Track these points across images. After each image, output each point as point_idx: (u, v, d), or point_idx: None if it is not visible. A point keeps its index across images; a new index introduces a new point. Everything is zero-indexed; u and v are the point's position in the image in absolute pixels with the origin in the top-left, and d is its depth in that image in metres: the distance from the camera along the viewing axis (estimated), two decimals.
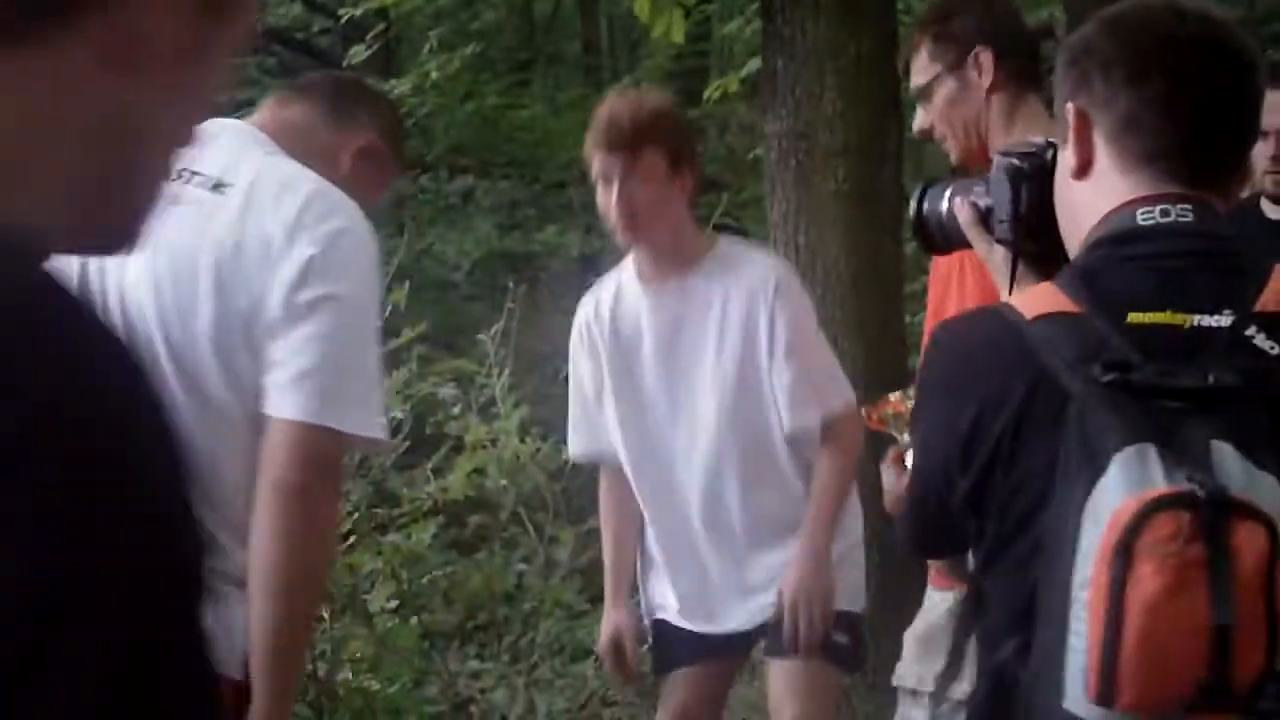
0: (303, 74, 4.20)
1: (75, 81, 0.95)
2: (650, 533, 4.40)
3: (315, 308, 2.87)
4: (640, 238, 4.16)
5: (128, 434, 0.85)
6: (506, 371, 6.90)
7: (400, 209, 12.50)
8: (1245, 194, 4.72)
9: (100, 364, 0.86)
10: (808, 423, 4.20)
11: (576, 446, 4.49)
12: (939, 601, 3.62)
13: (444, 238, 12.46)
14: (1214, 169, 2.25)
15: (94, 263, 2.97)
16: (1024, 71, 3.85)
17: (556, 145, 14.16)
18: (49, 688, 0.80)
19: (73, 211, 0.97)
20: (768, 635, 4.27)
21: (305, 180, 3.03)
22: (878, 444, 3.24)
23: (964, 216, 2.59)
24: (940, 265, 3.65)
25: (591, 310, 4.38)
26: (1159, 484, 1.96)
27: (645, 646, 4.60)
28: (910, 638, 3.78)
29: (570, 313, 4.51)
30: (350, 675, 6.02)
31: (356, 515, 6.15)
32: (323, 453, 2.87)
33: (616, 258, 4.48)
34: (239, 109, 3.46)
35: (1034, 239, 2.45)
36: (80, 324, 0.86)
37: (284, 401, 2.86)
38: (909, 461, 3.03)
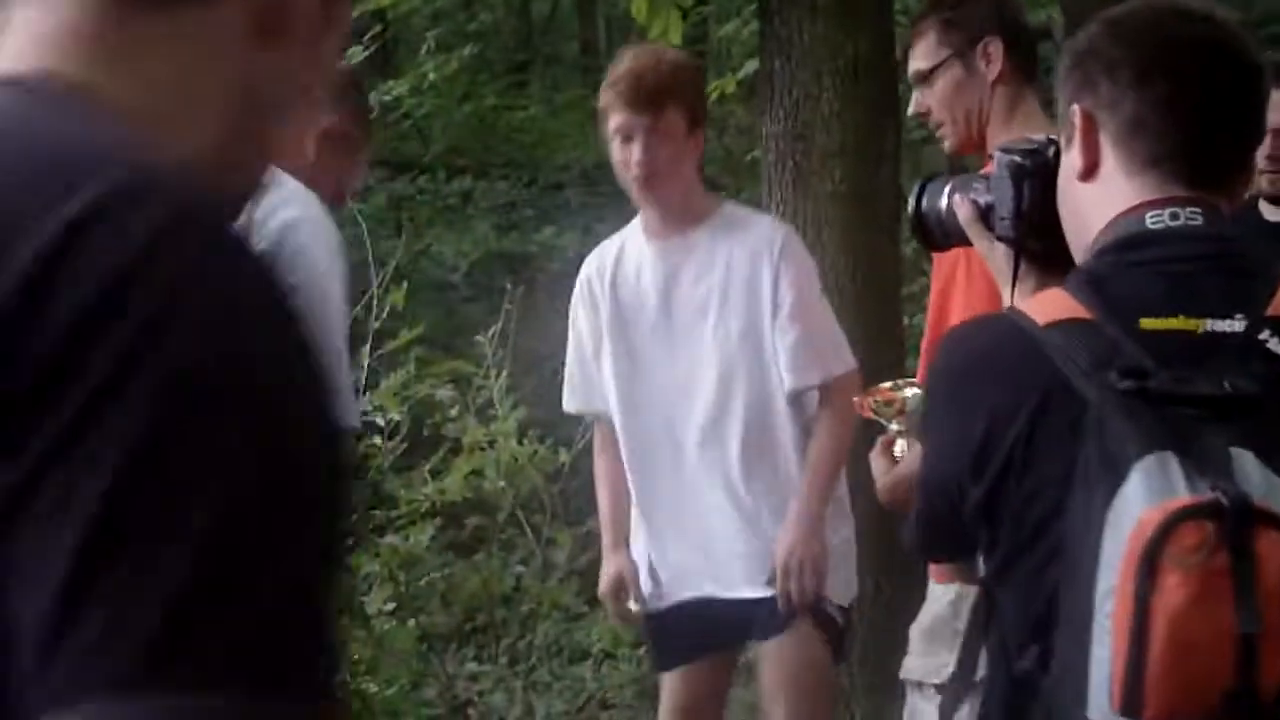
0: None
1: (225, 45, 1.02)
2: (641, 503, 4.40)
3: None
4: (656, 195, 4.21)
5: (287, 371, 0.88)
6: (504, 373, 6.89)
7: (398, 210, 12.49)
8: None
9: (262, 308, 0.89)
10: (809, 383, 4.22)
11: (571, 402, 4.53)
12: (941, 595, 3.60)
13: (442, 239, 12.43)
14: (1220, 170, 2.24)
15: None
16: (1027, 66, 3.87)
17: (554, 146, 14.15)
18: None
19: (217, 160, 1.03)
20: (758, 618, 4.26)
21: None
22: (871, 436, 3.25)
23: (964, 214, 2.58)
24: (943, 263, 3.64)
25: (594, 267, 4.43)
26: (1181, 493, 1.95)
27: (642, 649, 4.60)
28: (916, 632, 3.77)
29: (568, 314, 4.52)
30: (348, 677, 6.01)
31: (353, 517, 6.14)
32: None
33: None
34: None
35: (1036, 237, 2.44)
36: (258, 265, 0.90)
37: None
38: (898, 451, 3.04)
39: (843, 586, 4.32)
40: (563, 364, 4.56)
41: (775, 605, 4.21)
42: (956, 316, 3.45)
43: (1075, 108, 2.25)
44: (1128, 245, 2.19)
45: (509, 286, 7.50)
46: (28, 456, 0.81)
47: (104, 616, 0.80)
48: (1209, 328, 2.10)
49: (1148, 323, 2.10)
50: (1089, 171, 2.25)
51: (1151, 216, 2.18)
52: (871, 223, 5.91)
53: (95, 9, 1.00)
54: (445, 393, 6.76)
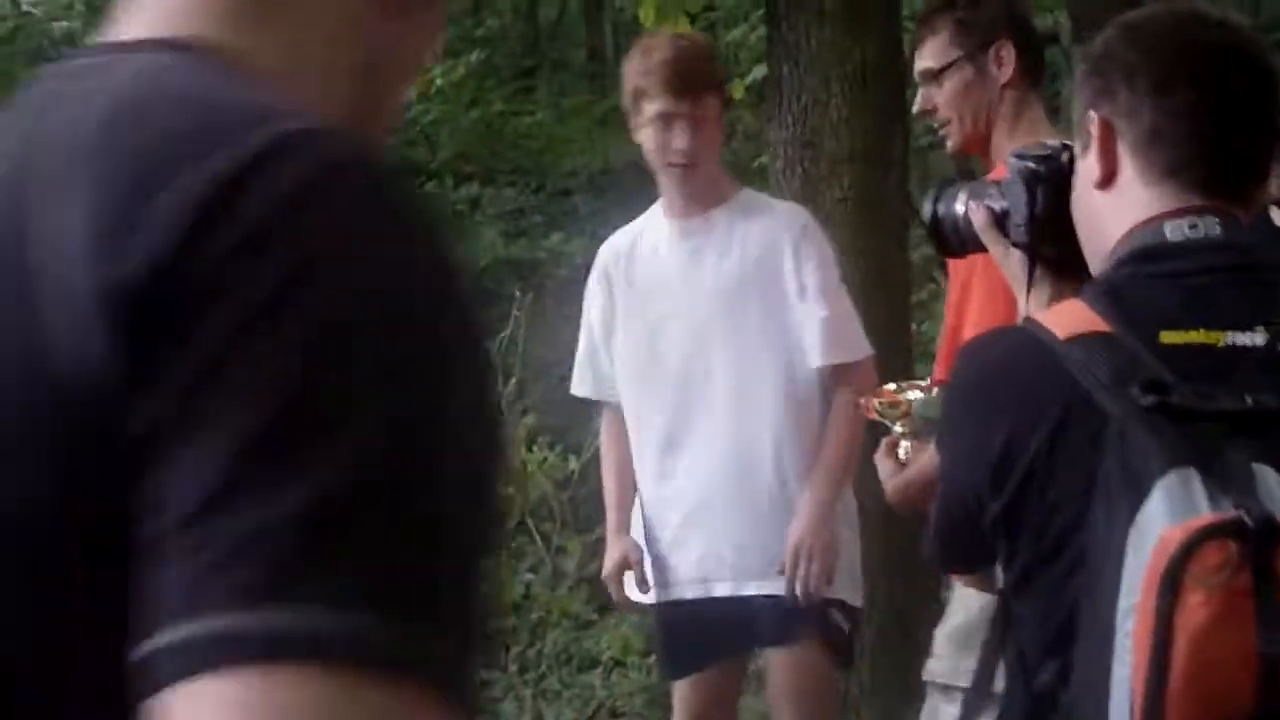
0: None
1: (355, 14, 1.06)
2: (646, 491, 4.38)
3: None
4: (692, 179, 4.27)
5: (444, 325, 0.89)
6: (513, 379, 6.88)
7: None
8: None
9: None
10: (840, 359, 4.23)
11: (580, 386, 4.54)
12: (974, 600, 3.58)
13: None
14: (1238, 179, 2.22)
15: None
16: (1034, 72, 3.90)
17: (562, 152, 14.15)
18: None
19: (354, 126, 1.05)
20: (762, 616, 4.24)
21: None
22: (876, 438, 3.24)
23: (979, 220, 2.57)
24: (959, 268, 3.64)
25: (611, 250, 4.47)
26: (1203, 511, 1.93)
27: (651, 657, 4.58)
28: (941, 635, 3.75)
29: (577, 319, 4.52)
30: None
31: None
32: None
33: None
34: None
35: (1050, 243, 2.43)
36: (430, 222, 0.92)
37: None
38: (902, 453, 3.03)
39: (849, 583, 4.31)
40: (570, 371, 4.56)
41: (781, 602, 4.19)
42: (974, 323, 3.45)
43: (1093, 115, 2.23)
44: (1146, 257, 2.17)
45: (517, 293, 7.50)
46: (172, 387, 0.82)
47: (238, 533, 0.80)
48: (1230, 340, 2.08)
49: (1168, 336, 2.08)
50: (1107, 180, 2.23)
51: (1170, 227, 2.16)
52: (880, 229, 5.90)
53: None
54: None
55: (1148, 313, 2.11)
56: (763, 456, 4.24)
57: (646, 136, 4.25)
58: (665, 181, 4.33)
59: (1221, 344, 2.08)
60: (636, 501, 4.41)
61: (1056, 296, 2.37)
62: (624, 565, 4.38)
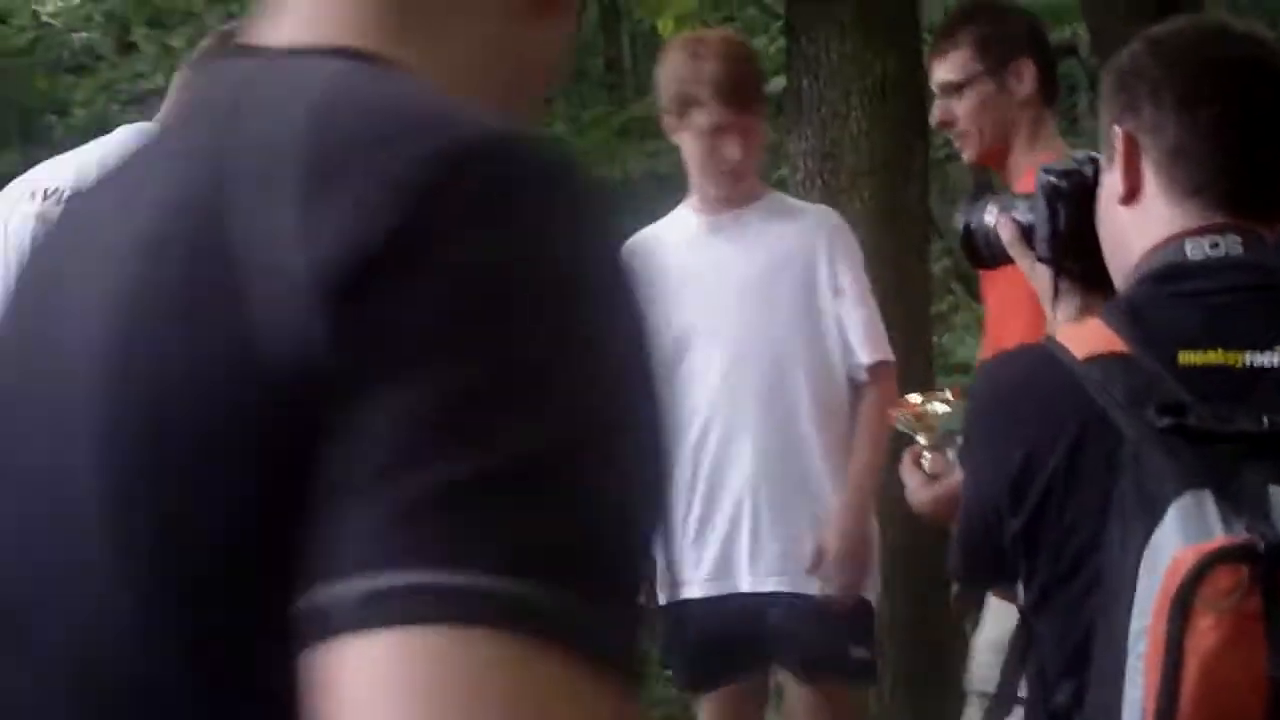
0: None
1: (508, 19, 1.08)
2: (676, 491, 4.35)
3: None
4: (738, 187, 4.28)
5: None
6: None
7: None
8: None
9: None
10: (883, 357, 4.23)
11: None
12: (1010, 606, 3.58)
13: None
14: (1263, 197, 2.21)
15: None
16: (1051, 90, 3.95)
17: (580, 163, 14.12)
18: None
19: None
20: (784, 628, 4.21)
21: None
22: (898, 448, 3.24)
23: (1006, 234, 2.57)
24: (997, 280, 3.65)
25: (635, 246, 4.40)
26: (1216, 534, 1.92)
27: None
28: (983, 642, 3.74)
29: None
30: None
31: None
32: None
33: None
34: None
35: (1073, 258, 2.43)
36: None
37: None
38: (927, 465, 3.03)
39: (872, 583, 4.30)
40: None
41: (793, 601, 4.16)
42: (1016, 336, 3.46)
43: (1118, 130, 2.22)
44: (1167, 276, 2.16)
45: None
46: (372, 353, 0.85)
47: (428, 492, 0.82)
48: (1249, 361, 2.07)
49: (1186, 356, 2.07)
50: (1130, 196, 2.22)
51: (1191, 246, 2.15)
52: (900, 241, 5.89)
53: None
54: None
55: (1167, 333, 2.10)
56: (791, 452, 4.21)
57: (692, 143, 4.23)
58: (704, 183, 4.31)
59: (1240, 364, 2.07)
60: None
61: (1085, 310, 2.36)
62: None
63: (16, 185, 3.19)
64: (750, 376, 4.21)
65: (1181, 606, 1.90)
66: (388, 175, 0.89)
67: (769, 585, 4.22)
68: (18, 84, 14.87)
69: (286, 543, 0.84)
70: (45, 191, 3.09)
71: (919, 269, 6.10)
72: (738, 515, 4.23)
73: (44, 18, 13.99)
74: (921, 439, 3.08)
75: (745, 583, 4.24)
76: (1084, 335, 2.17)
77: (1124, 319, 2.13)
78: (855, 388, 4.25)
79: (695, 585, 4.30)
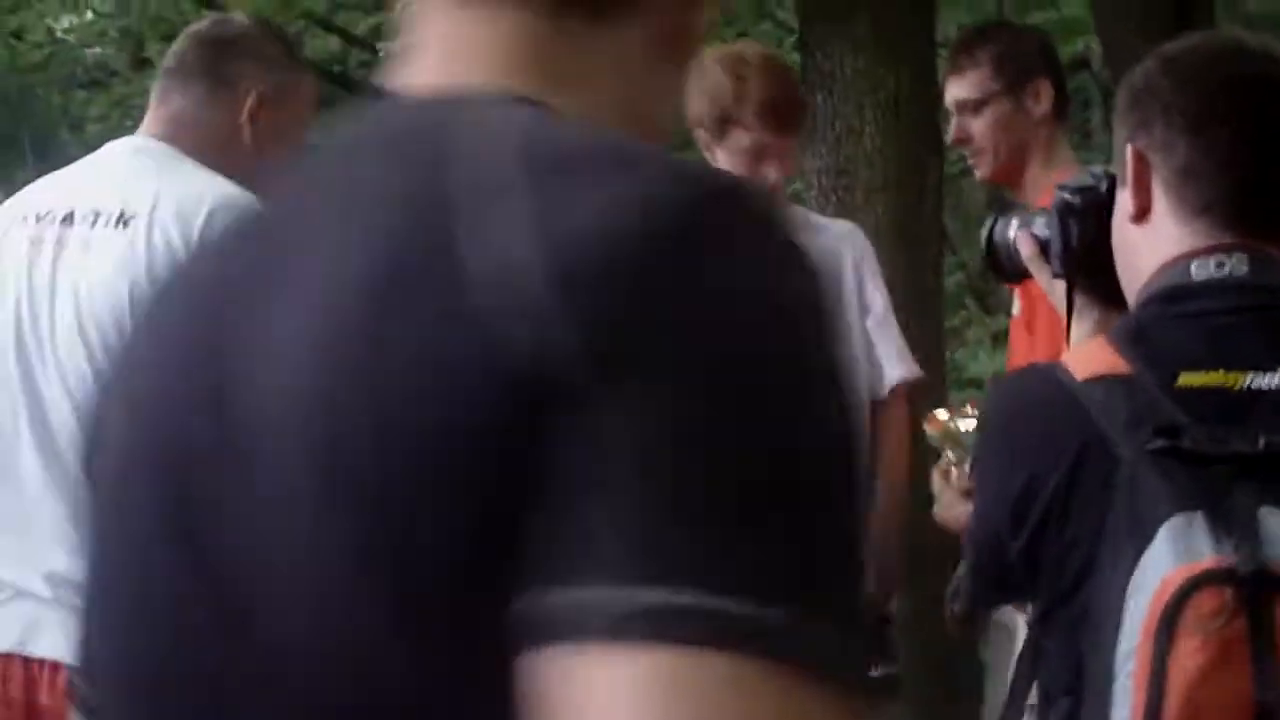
0: (338, 106, 4.08)
1: (643, 61, 1.10)
2: None
3: None
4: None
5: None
6: None
7: None
8: None
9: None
10: (913, 375, 4.24)
11: None
12: None
13: None
14: (1274, 217, 2.19)
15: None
16: (1063, 109, 4.02)
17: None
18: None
19: None
20: None
21: (203, 198, 2.96)
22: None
23: (1025, 249, 2.59)
24: (1025, 294, 3.67)
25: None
26: (1205, 555, 1.92)
27: None
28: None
29: None
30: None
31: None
32: None
33: None
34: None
35: (1088, 274, 2.44)
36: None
37: None
38: (954, 480, 3.03)
39: (894, 600, 4.32)
40: None
41: None
42: (1041, 352, 3.47)
43: (1129, 148, 2.21)
44: (1171, 297, 2.15)
45: None
46: (609, 365, 0.87)
47: (668, 510, 0.84)
48: (1249, 383, 2.06)
49: (1186, 378, 2.06)
50: (1140, 215, 2.21)
51: (1196, 266, 2.14)
52: (914, 257, 5.89)
53: (542, 26, 1.07)
54: None
55: (1169, 353, 2.09)
56: None
57: (729, 162, 4.20)
58: None
59: (1239, 386, 2.06)
60: None
61: (1102, 325, 2.36)
62: None
63: (9, 207, 3.15)
64: None
65: (1168, 628, 1.90)
66: (621, 202, 0.91)
67: None
68: (32, 100, 14.91)
69: (514, 542, 0.86)
70: (38, 214, 3.05)
71: (933, 284, 6.10)
72: None
73: (58, 34, 14.03)
74: (949, 454, 3.09)
75: None
76: (1087, 355, 2.17)
77: (1127, 339, 2.13)
78: (874, 404, 4.25)
79: None
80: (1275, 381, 2.06)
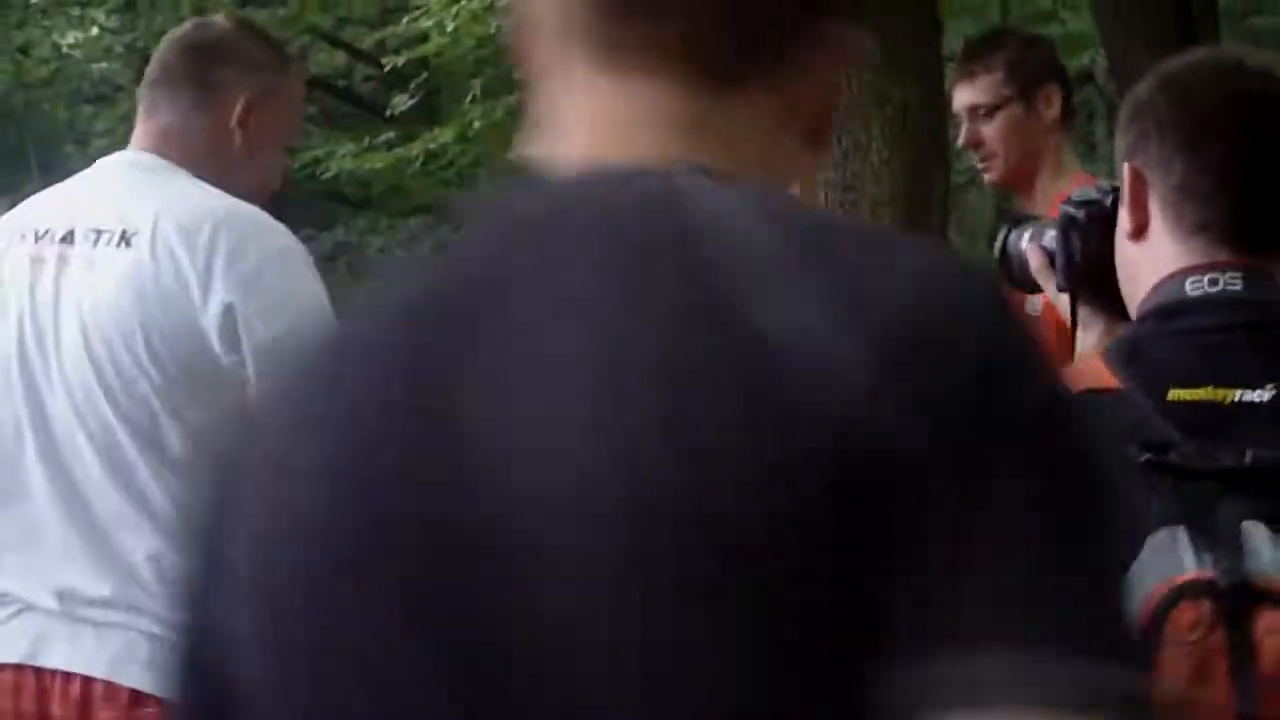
0: (343, 121, 4.07)
1: (770, 130, 1.10)
2: None
3: (259, 358, 2.82)
4: None
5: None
6: None
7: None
8: None
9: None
10: None
11: None
12: None
13: None
14: (1268, 234, 2.19)
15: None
16: (1071, 116, 4.08)
17: None
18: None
19: None
20: None
21: (205, 213, 2.94)
22: None
23: (1034, 261, 2.62)
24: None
25: None
26: (1188, 568, 1.91)
27: None
28: None
29: None
30: None
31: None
32: None
33: None
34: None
35: (1090, 287, 2.44)
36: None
37: None
38: None
39: None
40: None
41: None
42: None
43: (1126, 165, 2.21)
44: (1166, 314, 2.14)
45: None
46: (948, 442, 0.90)
47: (1051, 583, 0.90)
48: (1238, 398, 2.05)
49: (1177, 393, 2.06)
50: (1138, 232, 2.21)
51: (1191, 283, 2.14)
52: None
53: (691, 95, 1.07)
54: None
55: (1161, 370, 2.09)
56: None
57: None
58: None
59: (1229, 401, 2.05)
60: None
61: (1108, 338, 2.36)
62: None
63: (4, 223, 3.14)
64: None
65: (1149, 640, 1.90)
66: (920, 278, 0.93)
67: None
68: (38, 114, 14.93)
69: (872, 616, 0.87)
70: (37, 233, 3.04)
71: None
72: None
73: (64, 49, 14.06)
74: None
75: None
76: (1081, 370, 2.17)
77: (1120, 355, 2.13)
78: None
79: None
80: (1265, 397, 2.05)
